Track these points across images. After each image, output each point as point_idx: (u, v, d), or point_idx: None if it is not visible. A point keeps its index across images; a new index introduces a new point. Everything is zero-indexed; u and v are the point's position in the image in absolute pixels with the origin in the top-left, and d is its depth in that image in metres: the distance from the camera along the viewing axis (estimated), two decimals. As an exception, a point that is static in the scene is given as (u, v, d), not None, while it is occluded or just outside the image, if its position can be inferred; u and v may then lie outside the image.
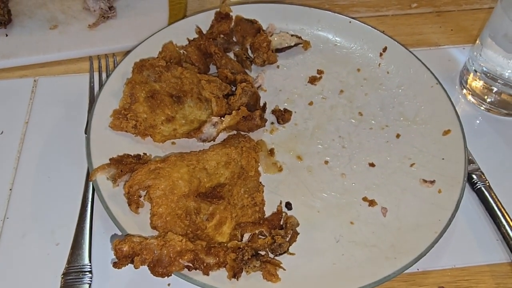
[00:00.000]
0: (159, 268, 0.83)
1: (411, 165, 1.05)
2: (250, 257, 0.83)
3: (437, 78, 1.11)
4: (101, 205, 0.89)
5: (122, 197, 0.90)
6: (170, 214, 0.87)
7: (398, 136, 1.09)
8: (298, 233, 0.91)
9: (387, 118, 1.12)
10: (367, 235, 0.93)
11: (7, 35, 1.20)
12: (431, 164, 1.03)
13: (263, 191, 0.95)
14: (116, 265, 0.83)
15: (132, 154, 0.98)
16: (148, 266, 0.80)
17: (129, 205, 0.89)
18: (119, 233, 0.86)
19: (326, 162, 1.04)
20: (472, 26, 1.30)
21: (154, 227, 0.86)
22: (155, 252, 0.81)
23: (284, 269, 0.85)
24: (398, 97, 1.15)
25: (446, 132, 1.11)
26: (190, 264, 0.81)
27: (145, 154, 0.99)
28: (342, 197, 0.99)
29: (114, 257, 0.81)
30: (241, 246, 0.85)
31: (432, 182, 1.06)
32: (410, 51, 1.15)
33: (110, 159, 0.95)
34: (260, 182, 0.97)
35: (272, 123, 1.08)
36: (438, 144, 1.06)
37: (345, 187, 1.00)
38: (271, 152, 1.04)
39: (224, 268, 0.83)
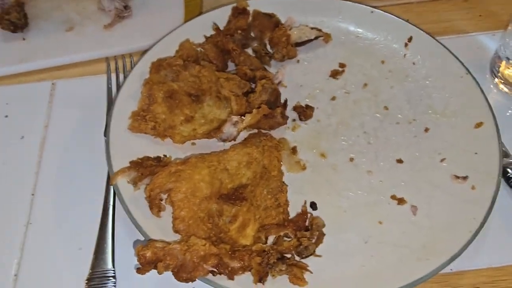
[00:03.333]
0: (183, 274, 0.80)
1: (442, 161, 1.00)
2: (275, 260, 0.81)
3: (466, 67, 1.07)
4: (122, 209, 0.87)
5: (143, 201, 0.87)
6: (192, 217, 0.85)
7: (426, 130, 1.04)
8: (324, 234, 0.87)
9: (414, 111, 1.06)
10: (397, 235, 0.89)
11: (24, 39, 1.19)
12: (463, 159, 0.98)
13: (286, 191, 0.92)
14: (139, 271, 0.80)
15: (152, 156, 0.95)
16: (172, 271, 0.78)
17: (150, 208, 0.86)
18: (142, 238, 0.85)
19: (351, 159, 1.00)
20: (502, 10, 1.23)
21: (176, 231, 0.84)
22: (179, 257, 0.79)
23: (311, 272, 0.82)
24: (426, 89, 1.09)
25: (478, 125, 1.03)
26: (215, 269, 0.78)
27: (165, 155, 0.96)
28: (369, 195, 0.94)
29: (137, 262, 0.78)
30: (266, 249, 0.82)
31: (465, 178, 1.00)
32: (437, 40, 1.10)
33: (130, 162, 0.92)
34: (283, 182, 0.93)
35: (294, 120, 1.05)
36: (470, 138, 1.00)
37: (372, 185, 0.96)
38: (294, 150, 1.00)
39: (249, 272, 0.80)
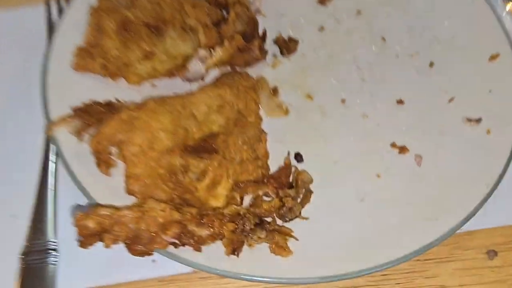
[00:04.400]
0: (136, 246, 0.69)
1: (450, 101, 0.89)
2: (253, 226, 0.71)
3: (476, -11, 0.90)
4: (64, 167, 0.76)
5: (89, 156, 0.77)
6: (150, 175, 0.74)
7: (431, 64, 0.93)
8: (311, 192, 0.78)
9: (416, 43, 0.95)
10: (398, 191, 0.80)
11: None
12: (476, 98, 0.87)
13: (266, 141, 0.82)
14: (81, 244, 0.69)
15: (101, 101, 0.84)
16: (124, 243, 0.68)
17: (97, 165, 0.76)
18: (88, 202, 0.75)
19: (343, 100, 0.90)
20: None
21: (130, 193, 0.74)
22: (131, 226, 0.68)
23: (297, 239, 0.73)
24: (430, 16, 0.97)
25: (493, 57, 0.92)
26: (176, 241, 0.68)
27: (117, 100, 0.85)
28: (364, 144, 0.85)
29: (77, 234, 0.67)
30: (241, 213, 0.72)
31: (478, 120, 0.87)
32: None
33: (73, 109, 0.81)
34: (262, 130, 0.84)
35: (274, 55, 0.94)
36: (484, 73, 0.89)
37: (367, 131, 0.86)
38: (275, 91, 0.90)
39: (221, 242, 0.71)
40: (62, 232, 0.78)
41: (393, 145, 0.85)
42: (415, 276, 0.76)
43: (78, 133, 0.79)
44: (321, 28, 0.97)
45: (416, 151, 0.84)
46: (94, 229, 0.66)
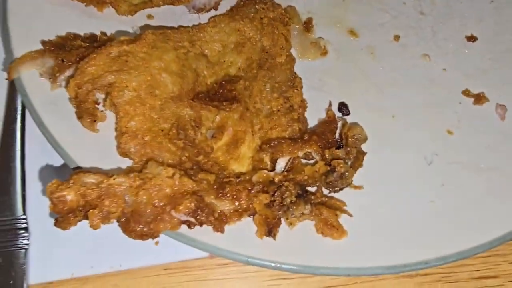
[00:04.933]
0: (136, 225, 0.54)
1: None
2: (294, 198, 0.57)
3: None
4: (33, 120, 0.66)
5: (67, 106, 0.66)
6: (150, 130, 0.63)
7: None
8: (364, 153, 0.66)
9: None
10: (478, 150, 0.69)
11: None
12: None
13: (301, 87, 0.71)
14: (58, 224, 0.53)
15: (82, 34, 0.73)
16: (118, 222, 0.55)
17: (79, 118, 0.64)
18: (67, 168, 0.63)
19: (396, 37, 0.78)
20: None
21: (124, 154, 0.62)
22: (127, 199, 0.54)
23: (351, 215, 0.61)
24: None
25: None
26: (191, 218, 0.54)
27: (103, 34, 0.74)
28: (429, 92, 0.74)
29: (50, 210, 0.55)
30: (277, 180, 0.60)
31: None
32: None
33: (44, 43, 0.70)
34: (295, 73, 0.73)
35: None
36: None
37: (431, 76, 0.75)
38: (308, 25, 0.79)
39: (251, 219, 0.58)
40: (33, 206, 0.68)
41: (466, 92, 0.74)
42: (498, 262, 0.66)
43: (52, 75, 0.67)
44: None
45: (497, 100, 0.73)
46: (75, 202, 0.53)
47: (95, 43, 0.71)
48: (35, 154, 0.69)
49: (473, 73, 0.75)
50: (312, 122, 0.69)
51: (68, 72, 0.66)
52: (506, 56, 0.76)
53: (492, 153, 0.68)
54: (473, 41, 0.78)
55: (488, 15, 0.80)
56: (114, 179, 0.54)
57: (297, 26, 0.78)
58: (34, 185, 0.68)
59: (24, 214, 0.65)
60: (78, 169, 0.57)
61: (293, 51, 0.75)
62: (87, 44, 0.71)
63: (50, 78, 0.67)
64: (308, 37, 0.78)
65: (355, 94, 0.73)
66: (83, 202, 0.52)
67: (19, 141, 0.69)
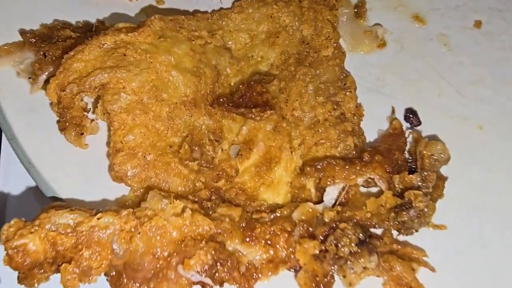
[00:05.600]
0: (130, 283, 0.41)
1: None
2: (355, 246, 0.44)
3: None
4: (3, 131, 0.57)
5: (47, 114, 0.55)
6: (154, 146, 0.52)
7: None
8: (446, 178, 0.52)
9: None
10: None
11: None
12: None
13: (355, 88, 0.59)
14: (21, 281, 0.40)
15: (74, 23, 0.63)
16: (107, 278, 0.41)
17: (61, 129, 0.53)
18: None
19: (477, 23, 0.66)
20: None
21: (119, 178, 0.50)
22: (116, 248, 0.41)
23: (433, 270, 0.46)
24: None
25: None
26: (206, 279, 0.40)
27: (100, 22, 0.64)
28: None
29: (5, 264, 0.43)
30: (328, 219, 0.46)
31: None
32: None
33: (24, 34, 0.61)
34: (346, 71, 0.62)
35: None
36: None
37: None
38: (360, 9, 0.69)
39: (291, 274, 0.45)
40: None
41: None
42: None
43: (32, 74, 0.57)
44: None
45: None
46: (41, 254, 0.40)
47: (89, 33, 0.60)
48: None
49: None
50: (370, 134, 0.57)
51: (51, 70, 0.56)
52: None
53: None
54: None
55: None
56: (98, 218, 0.41)
57: (346, 11, 0.68)
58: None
59: None
60: (52, 204, 0.42)
61: (342, 43, 0.64)
62: (78, 35, 0.58)
63: (29, 78, 0.57)
64: (361, 25, 0.68)
65: (426, 98, 0.60)
66: (53, 253, 0.39)
67: None
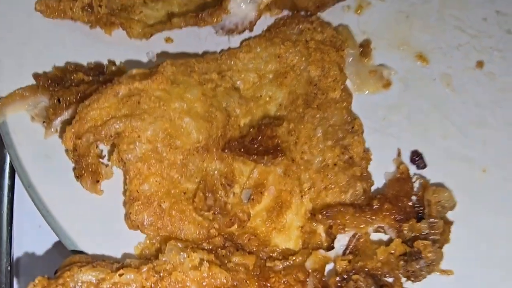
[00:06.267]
0: None
1: None
2: None
3: None
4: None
5: (63, 160, 0.56)
6: (169, 194, 0.53)
7: None
8: (451, 223, 0.53)
9: None
10: None
11: None
12: None
13: (362, 132, 0.61)
14: None
15: (85, 65, 0.65)
16: None
17: (77, 176, 0.54)
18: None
19: (480, 64, 0.67)
20: None
21: (135, 227, 0.52)
22: None
23: None
24: None
25: None
26: None
27: (112, 63, 0.66)
28: None
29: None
30: (341, 269, 0.48)
31: None
32: None
33: (38, 77, 0.61)
34: (354, 113, 0.63)
35: None
36: None
37: None
38: (365, 49, 0.70)
39: None
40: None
41: None
42: None
43: (46, 119, 0.58)
44: None
45: None
46: None
47: (101, 76, 0.62)
48: (28, 225, 0.59)
49: None
50: (377, 178, 0.57)
51: (65, 115, 0.58)
52: None
53: None
54: None
55: None
56: (120, 275, 0.42)
57: (352, 51, 0.68)
58: (24, 267, 0.58)
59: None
60: (72, 257, 0.44)
61: (348, 82, 0.65)
62: (91, 78, 0.63)
63: (43, 122, 0.58)
64: (366, 65, 0.68)
65: (431, 139, 0.61)
66: None
67: (5, 207, 0.59)
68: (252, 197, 0.54)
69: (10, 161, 0.63)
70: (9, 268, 0.59)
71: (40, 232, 0.59)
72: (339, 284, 0.44)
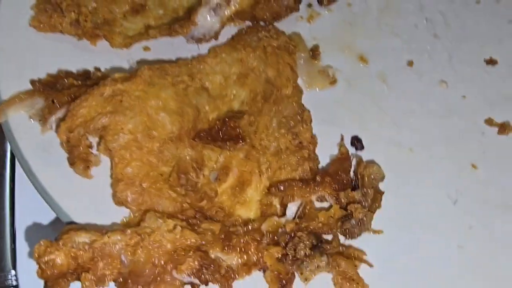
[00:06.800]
0: (135, 287, 0.50)
1: None
2: (309, 250, 0.53)
3: None
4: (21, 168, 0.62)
5: (58, 151, 0.62)
6: (148, 176, 0.60)
7: None
8: (382, 193, 0.61)
9: None
10: (506, 186, 0.65)
11: None
12: None
13: (311, 121, 0.68)
14: None
15: (74, 71, 0.71)
16: (115, 284, 0.51)
17: (71, 164, 0.61)
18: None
19: (410, 63, 0.75)
20: None
21: (121, 203, 0.58)
22: (124, 259, 0.50)
23: (371, 265, 0.57)
24: None
25: None
26: (195, 279, 0.49)
27: (97, 69, 0.71)
28: (448, 121, 0.71)
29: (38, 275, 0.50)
30: (289, 230, 0.56)
31: None
32: None
33: (34, 83, 0.68)
34: (304, 106, 0.70)
35: (310, 4, 0.80)
36: None
37: (450, 104, 0.72)
38: (315, 52, 0.76)
39: (262, 274, 0.54)
40: (23, 262, 0.64)
41: (489, 121, 0.71)
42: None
43: (42, 117, 0.64)
44: (368, -33, 0.85)
45: None
46: (66, 266, 0.48)
47: (88, 80, 0.67)
48: (25, 205, 0.66)
49: (495, 100, 0.71)
50: (323, 159, 0.65)
51: (59, 114, 0.63)
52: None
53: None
54: (493, 65, 0.75)
55: (507, 35, 0.77)
56: (108, 237, 0.49)
57: (303, 54, 0.75)
58: (24, 239, 0.65)
59: (14, 270, 0.62)
60: (69, 226, 0.52)
61: (300, 82, 0.72)
62: (80, 82, 0.67)
63: (40, 121, 0.64)
64: (316, 66, 0.75)
65: (369, 127, 0.69)
66: (74, 265, 0.47)
67: (8, 190, 0.65)
68: (218, 177, 0.61)
69: (11, 153, 0.67)
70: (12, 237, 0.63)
71: (41, 210, 0.62)
72: (287, 241, 0.52)
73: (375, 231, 0.59)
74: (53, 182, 0.59)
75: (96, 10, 0.72)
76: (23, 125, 0.63)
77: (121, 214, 0.58)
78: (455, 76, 0.73)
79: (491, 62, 0.75)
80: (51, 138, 0.62)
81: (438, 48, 0.76)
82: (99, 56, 0.71)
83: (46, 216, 0.65)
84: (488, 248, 0.60)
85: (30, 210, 0.65)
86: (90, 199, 0.58)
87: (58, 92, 0.64)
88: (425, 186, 0.64)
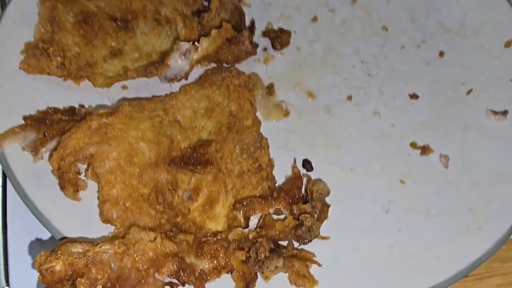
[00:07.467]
0: None
1: (468, 93, 0.82)
2: (268, 253, 0.60)
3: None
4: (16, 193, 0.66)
5: (50, 177, 0.66)
6: (130, 196, 0.64)
7: (441, 54, 0.86)
8: (329, 206, 0.68)
9: (422, 32, 0.88)
10: (428, 197, 0.71)
11: None
12: (497, 89, 0.81)
13: (268, 147, 0.73)
14: None
15: (61, 108, 0.74)
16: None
17: (61, 188, 0.65)
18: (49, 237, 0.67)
19: (349, 97, 0.82)
20: None
21: (107, 221, 0.63)
22: (113, 265, 0.56)
23: (320, 265, 0.63)
24: (433, 1, 0.91)
25: (510, 43, 0.85)
26: (173, 280, 0.56)
27: (82, 106, 0.75)
28: (381, 146, 0.77)
29: (39, 281, 0.55)
30: (251, 237, 0.62)
31: (504, 113, 0.79)
32: None
33: (26, 118, 0.70)
34: (262, 135, 0.75)
35: (265, 49, 0.85)
36: (501, 60, 0.84)
37: (382, 131, 0.78)
38: (270, 89, 0.82)
39: (229, 275, 0.60)
40: (16, 278, 0.67)
41: (413, 145, 0.77)
42: (455, 298, 0.66)
43: (35, 149, 0.68)
44: (314, 19, 0.89)
45: (441, 150, 0.76)
46: (63, 272, 0.54)
47: (75, 115, 0.71)
48: (17, 225, 0.69)
49: (418, 127, 0.78)
50: (279, 178, 0.71)
51: (50, 145, 0.67)
52: (444, 111, 0.79)
53: (440, 199, 0.70)
54: (416, 99, 0.81)
55: (426, 75, 0.83)
56: (100, 247, 0.55)
57: (260, 91, 0.80)
58: (16, 256, 0.67)
59: (7, 285, 0.65)
60: (65, 239, 0.58)
61: (258, 114, 0.77)
62: (67, 118, 0.70)
63: (32, 152, 0.67)
64: (271, 100, 0.80)
65: (317, 151, 0.75)
66: (70, 271, 0.53)
67: (0, 215, 0.69)
68: (191, 197, 0.66)
69: (1, 179, 0.71)
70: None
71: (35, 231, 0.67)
72: (250, 246, 0.59)
73: (323, 237, 0.65)
74: (46, 205, 0.63)
75: (79, 54, 0.76)
76: (17, 155, 0.66)
77: (107, 231, 0.62)
78: (385, 108, 0.80)
79: (414, 96, 0.81)
80: (43, 165, 0.66)
81: (372, 85, 0.82)
82: (83, 94, 0.75)
83: (38, 234, 0.68)
84: (414, 248, 0.66)
85: (22, 230, 0.68)
86: (80, 218, 0.63)
87: (49, 126, 0.68)
88: (363, 199, 0.71)
